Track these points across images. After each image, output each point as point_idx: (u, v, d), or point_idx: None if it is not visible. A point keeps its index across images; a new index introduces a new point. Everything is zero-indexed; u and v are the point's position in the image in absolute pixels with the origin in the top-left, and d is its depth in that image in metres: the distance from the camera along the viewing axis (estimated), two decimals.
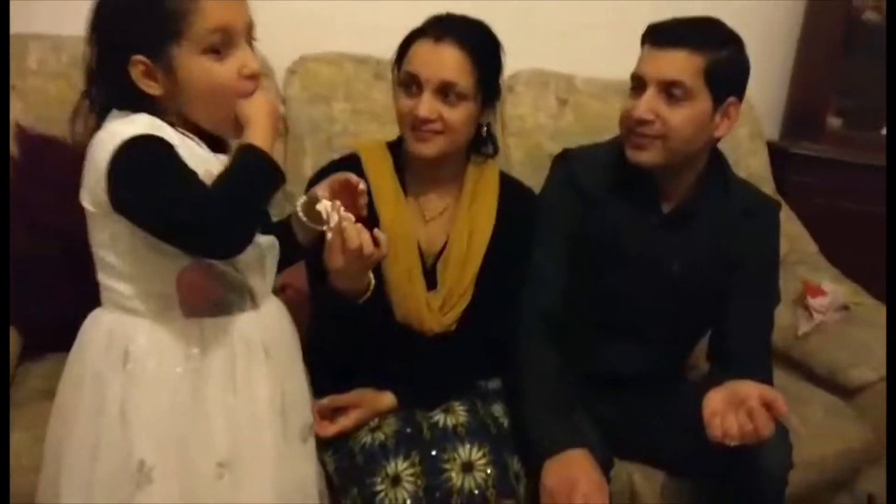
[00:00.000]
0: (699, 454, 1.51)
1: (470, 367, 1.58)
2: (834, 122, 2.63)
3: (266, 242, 1.30)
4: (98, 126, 1.20)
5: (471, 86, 1.49)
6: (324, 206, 1.27)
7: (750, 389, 1.37)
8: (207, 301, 1.22)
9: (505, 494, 1.40)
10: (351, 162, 1.57)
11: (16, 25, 1.79)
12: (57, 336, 1.42)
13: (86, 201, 1.19)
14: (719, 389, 1.40)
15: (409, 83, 1.51)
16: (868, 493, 1.88)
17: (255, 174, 1.17)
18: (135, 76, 1.16)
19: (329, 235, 1.27)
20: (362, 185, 1.33)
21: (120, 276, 1.20)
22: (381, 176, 1.57)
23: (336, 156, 1.77)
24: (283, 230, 1.38)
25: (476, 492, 1.39)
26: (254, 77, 1.19)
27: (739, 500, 1.52)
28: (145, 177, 1.13)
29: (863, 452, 1.82)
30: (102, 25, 1.18)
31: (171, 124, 1.18)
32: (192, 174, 1.14)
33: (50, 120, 1.85)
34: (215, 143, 1.23)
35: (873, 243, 2.09)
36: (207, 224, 1.11)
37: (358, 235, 1.25)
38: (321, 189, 1.35)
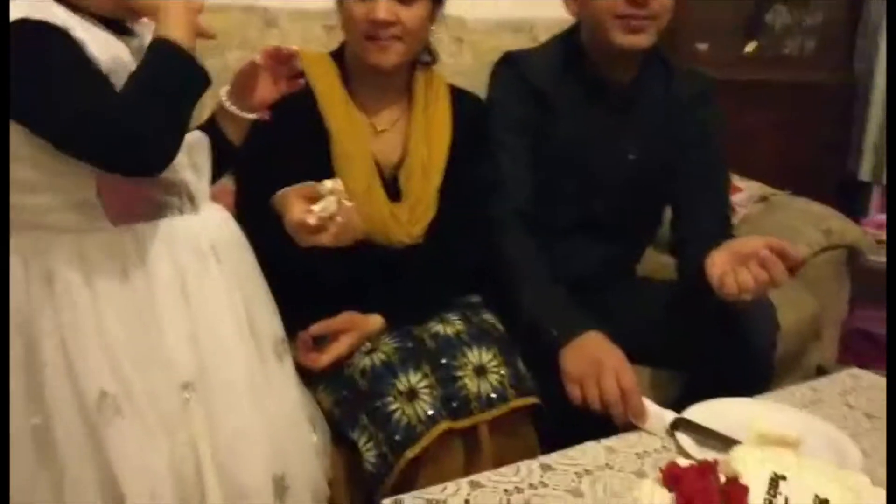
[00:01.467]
0: (679, 343, 1.51)
1: (447, 277, 1.49)
2: (701, 46, 2.75)
3: (192, 137, 1.15)
4: None
5: None
6: (329, 187, 1.14)
7: (754, 242, 1.36)
8: (137, 204, 1.07)
9: (523, 392, 1.33)
10: None
11: None
12: None
13: None
14: (720, 250, 1.39)
15: None
16: (818, 365, 1.95)
17: (175, 74, 1.02)
18: None
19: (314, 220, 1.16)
20: (296, 48, 1.21)
21: (31, 187, 1.03)
22: (328, 86, 1.45)
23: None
24: (208, 132, 1.21)
25: (494, 395, 1.30)
26: None
27: (734, 372, 1.51)
28: (39, 76, 0.96)
29: (812, 323, 1.89)
30: None
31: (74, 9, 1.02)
32: (96, 74, 0.99)
33: None
34: (116, 25, 1.07)
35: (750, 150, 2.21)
36: (124, 138, 0.96)
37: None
38: (250, 66, 1.21)
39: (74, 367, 1.03)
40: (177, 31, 1.02)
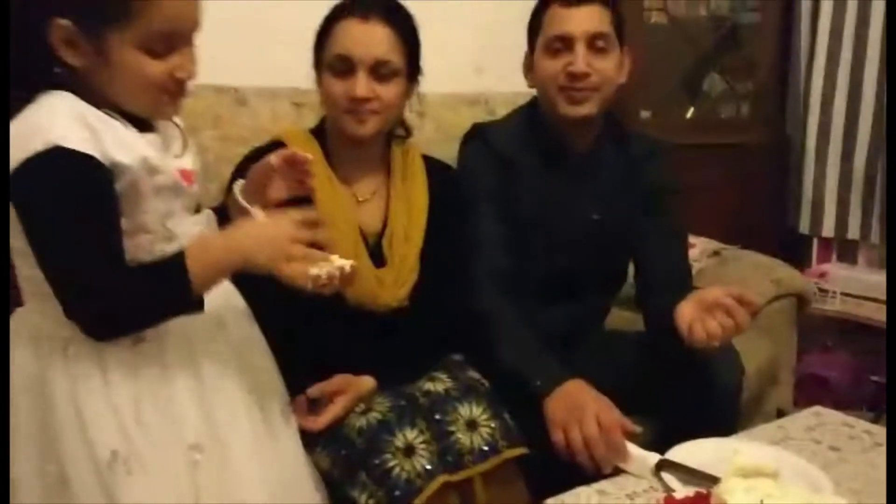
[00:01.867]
0: (650, 391, 1.59)
1: (433, 337, 1.55)
2: (644, 113, 2.91)
3: (203, 216, 1.23)
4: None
5: (401, 62, 1.50)
6: (340, 264, 1.15)
7: (716, 291, 1.46)
8: None
9: (513, 443, 1.39)
10: (275, 148, 1.51)
11: None
12: None
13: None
14: (686, 301, 1.49)
15: (339, 65, 1.48)
16: (777, 408, 2.06)
17: (175, 296, 1.07)
18: (54, 41, 1.03)
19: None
20: (310, 156, 1.27)
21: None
22: (314, 163, 1.52)
23: (213, 186, 1.68)
24: (219, 216, 1.28)
25: (486, 448, 1.36)
26: (187, 79, 1.10)
27: (704, 415, 1.59)
28: (51, 215, 1.02)
29: (770, 368, 2.00)
30: None
31: (95, 104, 1.07)
32: (106, 228, 1.04)
33: None
34: (141, 121, 1.13)
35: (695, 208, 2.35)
36: (86, 309, 1.03)
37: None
38: (264, 167, 1.26)
39: (87, 428, 1.06)
40: (227, 250, 1.09)
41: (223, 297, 1.20)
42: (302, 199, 1.32)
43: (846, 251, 2.79)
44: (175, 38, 1.07)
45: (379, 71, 1.48)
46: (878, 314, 2.49)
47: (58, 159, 1.00)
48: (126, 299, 1.05)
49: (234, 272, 1.13)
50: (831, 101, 2.67)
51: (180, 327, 1.12)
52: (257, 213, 1.24)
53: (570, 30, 1.61)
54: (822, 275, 2.67)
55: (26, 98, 1.07)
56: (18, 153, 1.01)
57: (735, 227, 2.55)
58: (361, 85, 1.46)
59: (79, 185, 1.02)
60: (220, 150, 2.06)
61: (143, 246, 1.10)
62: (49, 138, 1.00)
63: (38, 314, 1.10)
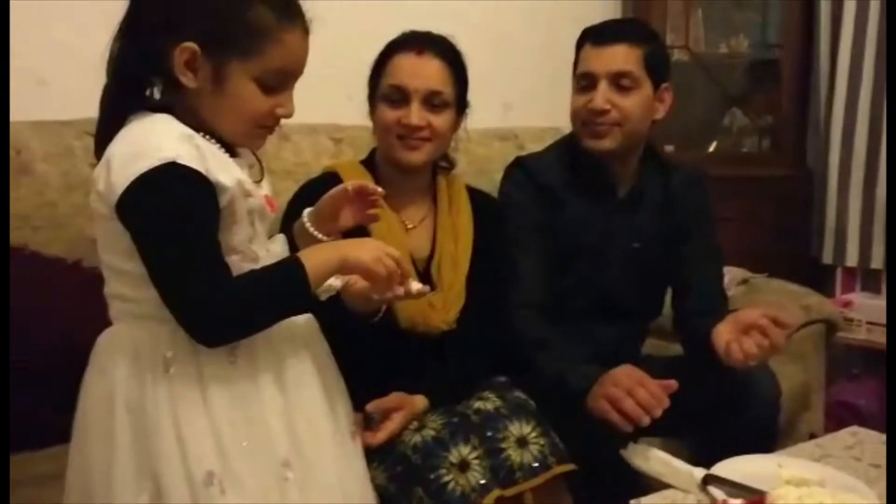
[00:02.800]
0: (688, 412, 1.63)
1: (480, 358, 1.61)
2: (668, 148, 2.98)
3: (279, 240, 1.29)
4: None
5: (452, 95, 1.59)
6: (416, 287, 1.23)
7: (752, 313, 1.52)
8: None
9: (562, 460, 1.43)
10: (330, 180, 1.58)
11: None
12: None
13: (96, 202, 1.12)
14: (724, 322, 1.54)
15: (394, 95, 1.57)
16: (809, 432, 2.09)
17: (289, 301, 1.15)
18: (176, 61, 1.10)
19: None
20: (381, 190, 1.31)
21: (140, 282, 1.11)
22: None
23: None
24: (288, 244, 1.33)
25: (536, 464, 1.41)
26: (282, 118, 1.18)
27: (742, 435, 1.63)
28: (167, 227, 1.08)
29: (802, 393, 2.04)
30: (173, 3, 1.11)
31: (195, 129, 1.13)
32: (216, 240, 1.10)
33: None
34: (228, 148, 1.19)
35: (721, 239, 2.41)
36: (203, 316, 1.09)
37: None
38: (337, 197, 1.31)
39: (186, 450, 1.09)
40: (327, 264, 1.15)
41: (305, 319, 1.24)
42: (356, 230, 1.38)
43: (870, 280, 2.83)
44: (287, 78, 1.15)
45: (432, 101, 1.56)
46: None
47: (173, 174, 1.06)
48: (248, 303, 1.10)
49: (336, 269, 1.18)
50: (852, 133, 2.73)
51: (270, 344, 1.17)
52: (323, 238, 1.29)
53: (595, 68, 1.70)
54: (847, 304, 2.72)
55: (117, 119, 1.12)
56: (132, 170, 1.05)
57: (760, 257, 2.59)
58: (415, 113, 1.54)
59: (193, 199, 1.08)
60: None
61: (232, 264, 1.13)
62: (163, 155, 1.05)
63: (134, 334, 1.13)
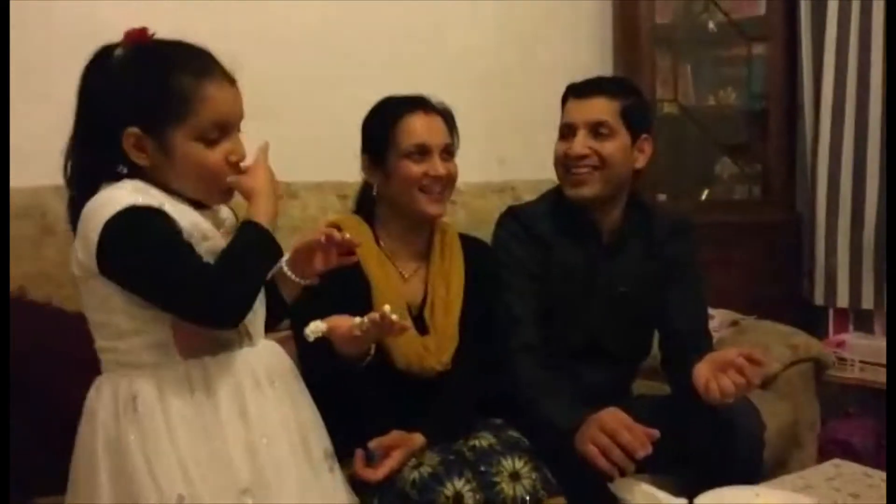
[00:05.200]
0: (676, 449, 1.70)
1: (474, 398, 1.70)
2: (661, 196, 3.09)
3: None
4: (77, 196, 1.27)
5: (455, 144, 1.77)
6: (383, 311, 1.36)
7: (728, 352, 1.61)
8: (204, 342, 1.27)
9: (553, 493, 1.52)
10: None
11: None
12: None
13: (77, 269, 1.25)
14: (703, 362, 1.63)
15: (417, 152, 1.71)
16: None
17: (257, 251, 1.26)
18: (126, 147, 1.23)
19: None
20: (349, 237, 1.38)
21: (117, 334, 1.25)
22: (366, 246, 1.70)
23: None
24: (267, 288, 1.40)
25: (528, 497, 1.49)
26: (239, 162, 1.29)
27: (728, 469, 1.70)
28: (145, 249, 1.20)
29: (791, 430, 2.11)
30: (101, 95, 1.25)
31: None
32: (189, 246, 1.22)
33: None
34: (198, 203, 1.31)
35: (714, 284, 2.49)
36: (210, 298, 1.20)
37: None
38: (308, 244, 1.38)
39: (156, 475, 1.20)
40: (264, 214, 1.26)
41: (272, 357, 1.35)
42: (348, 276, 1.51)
43: (862, 320, 2.90)
44: (225, 127, 1.26)
45: (445, 153, 1.73)
46: None
47: (133, 213, 1.18)
48: (232, 273, 1.22)
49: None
50: (837, 178, 2.83)
51: (231, 382, 1.27)
52: (302, 282, 1.39)
53: (574, 119, 1.83)
54: (840, 344, 2.78)
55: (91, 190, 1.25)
56: (96, 223, 1.19)
57: (754, 301, 2.67)
58: (440, 165, 1.70)
59: (155, 223, 1.20)
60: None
61: None
62: (121, 203, 1.19)
63: (115, 380, 1.25)
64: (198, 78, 1.24)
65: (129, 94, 1.24)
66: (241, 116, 1.30)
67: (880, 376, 2.68)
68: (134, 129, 1.22)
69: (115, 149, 1.24)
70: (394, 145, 1.72)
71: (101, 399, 1.25)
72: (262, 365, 1.32)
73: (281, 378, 1.34)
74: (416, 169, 1.70)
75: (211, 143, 1.25)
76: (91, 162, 1.27)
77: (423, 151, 1.71)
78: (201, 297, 1.19)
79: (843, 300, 2.84)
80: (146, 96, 1.23)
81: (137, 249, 1.20)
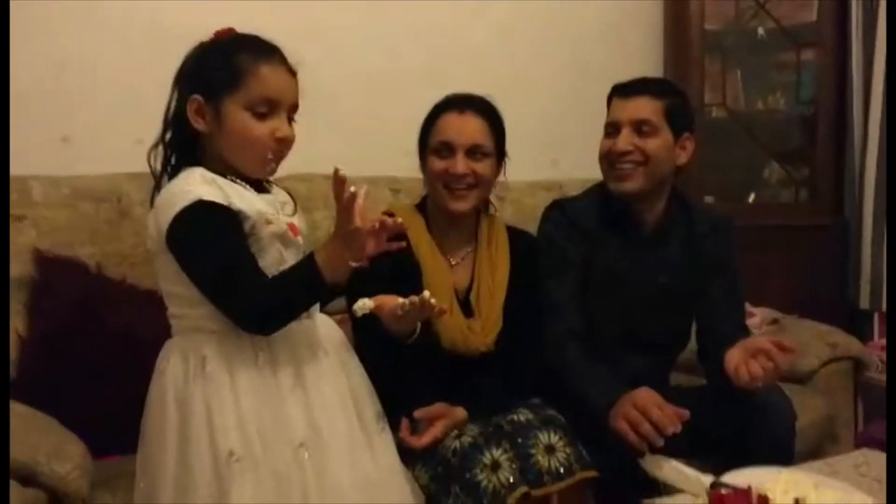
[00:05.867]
0: (710, 436, 1.77)
1: (515, 379, 1.79)
2: (708, 199, 3.14)
3: None
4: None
5: (491, 146, 1.82)
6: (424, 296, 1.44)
7: (758, 339, 1.68)
8: None
9: (586, 467, 1.61)
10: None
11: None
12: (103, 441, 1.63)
13: (150, 243, 1.40)
14: (734, 348, 1.70)
15: (442, 149, 1.80)
16: None
17: (307, 292, 1.37)
18: (189, 113, 1.38)
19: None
20: (400, 220, 1.40)
21: (188, 302, 1.38)
22: (418, 232, 1.83)
23: None
24: None
25: (562, 469, 1.58)
26: (284, 140, 1.41)
27: (759, 456, 1.76)
28: (206, 251, 1.33)
29: (827, 424, 2.15)
30: (183, 68, 1.42)
31: (221, 175, 1.39)
32: (248, 254, 1.34)
33: (62, 244, 1.97)
34: (258, 186, 1.45)
35: (760, 285, 2.53)
36: (253, 314, 1.33)
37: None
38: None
39: (214, 430, 1.32)
40: (330, 267, 1.32)
41: (327, 330, 1.48)
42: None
43: None
44: (274, 104, 1.40)
45: (474, 153, 1.79)
46: None
47: (201, 208, 1.32)
48: (278, 294, 1.33)
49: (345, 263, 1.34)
50: (885, 183, 2.85)
51: (290, 351, 1.39)
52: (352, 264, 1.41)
53: (619, 117, 1.90)
54: (884, 347, 2.80)
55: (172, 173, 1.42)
56: (170, 212, 1.33)
57: (798, 304, 2.71)
58: (461, 163, 1.77)
59: (220, 223, 1.33)
60: (330, 226, 2.35)
61: None
62: (191, 197, 1.32)
63: (184, 342, 1.39)
64: (255, 57, 1.39)
65: (200, 69, 1.41)
66: (293, 101, 1.43)
67: None
68: (197, 97, 1.38)
69: (186, 119, 1.39)
70: (427, 142, 1.83)
71: (171, 360, 1.39)
72: (318, 337, 1.44)
73: (335, 348, 1.47)
74: (439, 165, 1.80)
75: (260, 116, 1.39)
76: (171, 138, 1.43)
77: (447, 149, 1.79)
78: (246, 310, 1.32)
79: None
80: (211, 69, 1.39)
81: (200, 249, 1.33)
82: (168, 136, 1.44)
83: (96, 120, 2.24)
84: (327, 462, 1.37)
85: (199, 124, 1.39)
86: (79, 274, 1.96)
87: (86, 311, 1.91)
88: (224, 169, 1.41)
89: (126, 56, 2.26)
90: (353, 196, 1.28)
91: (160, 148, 1.45)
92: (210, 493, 1.31)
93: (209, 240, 1.33)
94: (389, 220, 1.43)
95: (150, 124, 1.46)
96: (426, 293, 1.45)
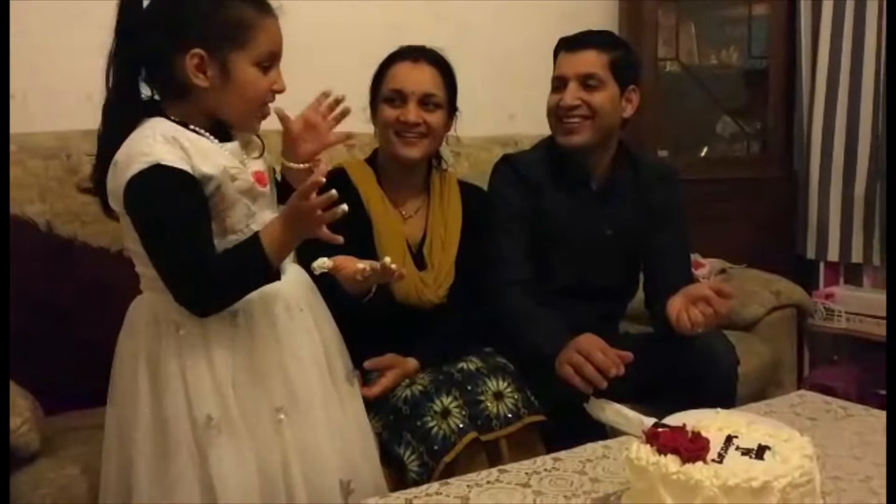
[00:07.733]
0: (656, 380, 1.83)
1: (466, 330, 1.84)
2: (662, 152, 3.18)
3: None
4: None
5: (443, 97, 1.83)
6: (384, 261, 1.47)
7: (699, 286, 1.73)
8: None
9: (534, 412, 1.66)
10: (338, 174, 1.82)
11: None
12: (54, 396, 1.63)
13: (112, 201, 1.35)
14: (676, 296, 1.75)
15: (394, 97, 1.81)
16: None
17: (254, 275, 1.34)
18: (189, 67, 1.33)
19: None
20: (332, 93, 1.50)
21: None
22: (369, 185, 1.85)
23: None
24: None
25: (510, 415, 1.63)
26: (279, 92, 1.40)
27: (702, 398, 1.82)
28: (158, 218, 1.30)
29: (771, 370, 2.23)
30: (167, 15, 1.34)
31: (185, 125, 1.35)
32: (198, 222, 1.31)
33: (11, 202, 1.94)
34: (223, 134, 1.40)
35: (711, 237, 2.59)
36: (195, 292, 1.30)
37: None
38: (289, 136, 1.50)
39: (190, 396, 1.32)
40: (277, 246, 1.32)
41: (299, 286, 1.47)
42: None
43: (851, 274, 3.00)
44: (274, 58, 1.39)
45: (426, 102, 1.80)
46: (879, 329, 2.72)
47: (158, 174, 1.28)
48: (221, 279, 1.31)
49: (292, 243, 1.36)
50: (831, 136, 2.92)
51: (267, 307, 1.39)
52: (300, 167, 1.49)
53: (565, 71, 1.93)
54: (829, 296, 2.89)
55: (128, 124, 1.35)
56: (127, 172, 1.28)
57: (748, 254, 2.78)
58: (412, 111, 1.78)
59: (176, 193, 1.29)
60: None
61: (231, 244, 1.36)
62: (150, 159, 1.28)
63: (154, 302, 1.37)
64: (258, 10, 1.36)
65: (197, 16, 1.33)
66: (281, 51, 1.41)
67: (866, 327, 2.79)
68: (198, 51, 1.32)
69: (166, 69, 1.34)
70: (379, 91, 1.84)
71: (143, 318, 1.38)
72: (291, 293, 1.44)
73: (307, 304, 1.47)
74: (391, 113, 1.81)
75: (265, 69, 1.37)
76: (130, 81, 1.36)
77: (400, 97, 1.80)
78: (189, 287, 1.30)
79: (833, 254, 2.95)
80: (214, 20, 1.33)
81: (151, 219, 1.30)
82: (123, 82, 1.37)
83: (47, 78, 2.21)
84: (304, 425, 1.39)
85: (199, 80, 1.34)
86: (29, 232, 1.95)
87: (36, 271, 1.90)
88: (205, 121, 1.37)
89: (75, 13, 2.22)
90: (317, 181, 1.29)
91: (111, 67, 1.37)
92: (190, 456, 1.32)
93: (161, 208, 1.29)
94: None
95: (101, 81, 1.42)
96: (387, 259, 1.46)
